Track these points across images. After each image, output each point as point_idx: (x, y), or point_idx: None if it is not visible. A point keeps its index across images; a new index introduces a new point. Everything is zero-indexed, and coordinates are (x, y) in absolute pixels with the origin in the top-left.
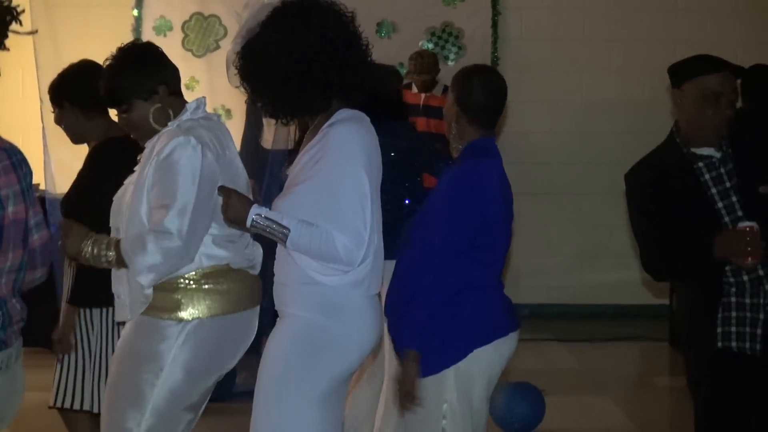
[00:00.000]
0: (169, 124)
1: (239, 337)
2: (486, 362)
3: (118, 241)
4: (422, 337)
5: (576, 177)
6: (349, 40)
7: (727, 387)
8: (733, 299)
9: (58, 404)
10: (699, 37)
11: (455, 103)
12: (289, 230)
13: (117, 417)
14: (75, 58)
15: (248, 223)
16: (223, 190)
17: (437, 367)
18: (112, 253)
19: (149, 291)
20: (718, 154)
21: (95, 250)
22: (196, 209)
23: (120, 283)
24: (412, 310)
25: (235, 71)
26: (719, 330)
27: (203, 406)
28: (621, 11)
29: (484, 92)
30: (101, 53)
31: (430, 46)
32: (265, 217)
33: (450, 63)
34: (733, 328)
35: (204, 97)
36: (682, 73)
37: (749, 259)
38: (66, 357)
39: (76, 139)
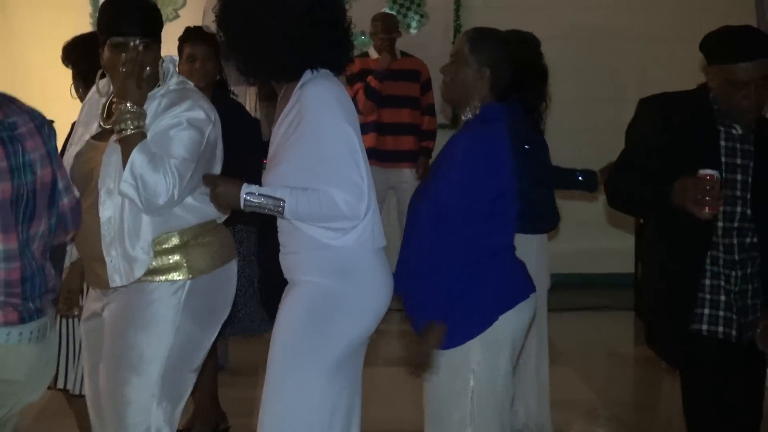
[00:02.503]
0: (160, 84)
1: (231, 289)
2: (511, 327)
3: (144, 137)
4: (447, 308)
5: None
6: (335, 13)
7: (707, 370)
8: (708, 282)
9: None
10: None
11: (485, 66)
12: (284, 201)
13: (122, 388)
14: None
15: (241, 204)
16: (208, 180)
17: (463, 337)
18: (130, 130)
19: (149, 255)
20: (740, 130)
21: (130, 115)
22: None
23: (113, 245)
24: (433, 281)
25: (214, 18)
26: (701, 311)
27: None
28: None
29: (512, 60)
30: (57, 27)
31: (392, 13)
32: (258, 194)
33: (412, 31)
34: (706, 311)
35: (173, 57)
36: (710, 55)
37: (706, 209)
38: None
39: None
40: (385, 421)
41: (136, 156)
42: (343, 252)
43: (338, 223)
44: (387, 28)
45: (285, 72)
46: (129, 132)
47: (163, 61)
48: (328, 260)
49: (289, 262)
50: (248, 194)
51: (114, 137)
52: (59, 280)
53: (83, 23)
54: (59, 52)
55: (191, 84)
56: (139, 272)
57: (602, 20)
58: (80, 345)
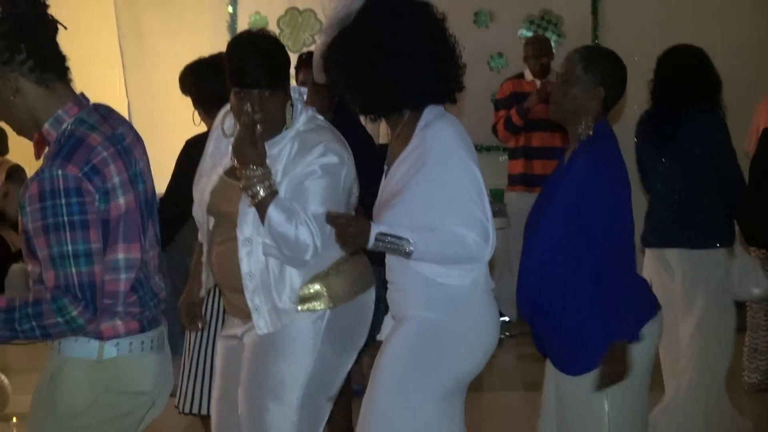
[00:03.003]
0: (288, 126)
1: (369, 316)
2: (651, 337)
3: (276, 194)
4: (623, 325)
5: None
6: (442, 38)
7: None
8: None
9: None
10: None
11: (600, 86)
12: (414, 241)
13: (263, 415)
14: (165, 57)
15: (370, 244)
16: (334, 218)
17: (595, 361)
18: (263, 193)
19: (295, 303)
20: None
21: (258, 178)
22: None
23: (257, 294)
24: (603, 302)
25: (322, 64)
26: None
27: None
28: None
29: (624, 79)
30: (194, 52)
31: (529, 34)
32: (389, 235)
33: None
34: None
35: (299, 89)
36: None
37: None
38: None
39: None
40: None
41: (273, 215)
42: (454, 289)
43: (464, 263)
44: (536, 53)
45: (403, 103)
46: (261, 196)
47: (290, 100)
48: (439, 296)
49: (398, 298)
50: (379, 234)
51: (247, 200)
52: (165, 292)
53: (220, 47)
54: (197, 49)
55: (320, 119)
56: (286, 320)
57: (748, 33)
58: (190, 362)
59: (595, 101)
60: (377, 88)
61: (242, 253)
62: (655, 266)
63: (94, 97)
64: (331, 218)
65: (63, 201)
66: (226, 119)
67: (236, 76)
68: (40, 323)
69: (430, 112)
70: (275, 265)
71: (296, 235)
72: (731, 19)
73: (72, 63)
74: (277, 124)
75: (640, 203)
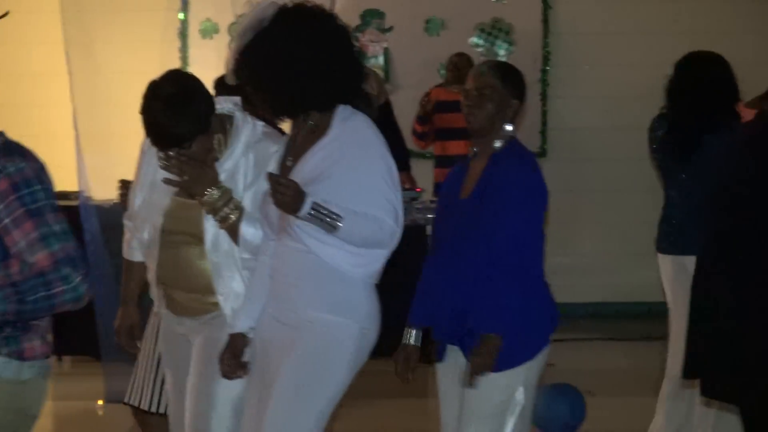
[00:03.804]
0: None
1: None
2: (546, 354)
3: (242, 211)
4: (508, 327)
5: (630, 173)
6: (347, 46)
7: None
8: None
9: (134, 402)
10: None
11: (514, 98)
12: (344, 218)
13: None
14: (114, 65)
15: (304, 210)
16: (274, 178)
17: (519, 359)
18: (233, 216)
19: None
20: None
21: (220, 200)
22: None
23: (231, 302)
24: (502, 294)
25: (234, 67)
26: None
27: None
28: (677, 2)
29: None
30: (144, 59)
31: (480, 42)
32: (320, 206)
33: (501, 59)
34: None
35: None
36: None
37: None
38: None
39: None
40: None
41: (247, 232)
42: (353, 285)
43: (379, 248)
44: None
45: (312, 105)
46: (233, 219)
47: (221, 128)
48: (339, 295)
49: (292, 293)
50: (315, 204)
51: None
52: None
53: (171, 54)
54: (148, 56)
55: (261, 125)
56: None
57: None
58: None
59: (509, 112)
60: (288, 91)
61: (214, 274)
62: (673, 272)
63: (40, 104)
64: (272, 178)
65: (38, 187)
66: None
67: (153, 139)
68: (48, 292)
69: (345, 110)
70: (247, 274)
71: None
72: (682, 31)
73: (18, 70)
74: (208, 156)
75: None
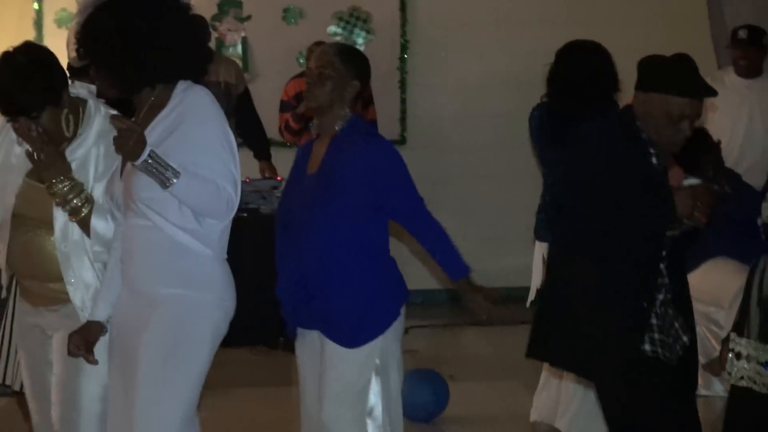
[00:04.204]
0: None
1: None
2: (402, 318)
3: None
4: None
5: (490, 160)
6: (189, 23)
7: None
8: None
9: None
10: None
11: (355, 78)
12: (180, 174)
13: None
14: None
15: (143, 157)
16: (119, 121)
17: (373, 333)
18: (85, 210)
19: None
20: (658, 160)
21: (71, 192)
22: None
23: (82, 292)
24: (346, 271)
25: (76, 45)
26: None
27: None
28: None
29: (369, 76)
30: None
31: (339, 30)
32: (159, 156)
33: (359, 48)
34: (657, 335)
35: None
36: (651, 81)
37: (702, 215)
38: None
39: None
40: None
41: (98, 225)
42: (199, 259)
43: (214, 216)
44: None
45: (153, 80)
46: (84, 213)
47: (73, 108)
48: (186, 269)
49: (138, 272)
50: (153, 153)
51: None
52: None
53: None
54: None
55: (114, 113)
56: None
57: (550, 36)
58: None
59: (350, 93)
60: (125, 65)
61: (63, 263)
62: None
63: None
64: (116, 121)
65: None
66: (9, 128)
67: (1, 108)
68: None
69: (184, 84)
70: (99, 266)
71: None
72: (540, 20)
73: None
74: (60, 135)
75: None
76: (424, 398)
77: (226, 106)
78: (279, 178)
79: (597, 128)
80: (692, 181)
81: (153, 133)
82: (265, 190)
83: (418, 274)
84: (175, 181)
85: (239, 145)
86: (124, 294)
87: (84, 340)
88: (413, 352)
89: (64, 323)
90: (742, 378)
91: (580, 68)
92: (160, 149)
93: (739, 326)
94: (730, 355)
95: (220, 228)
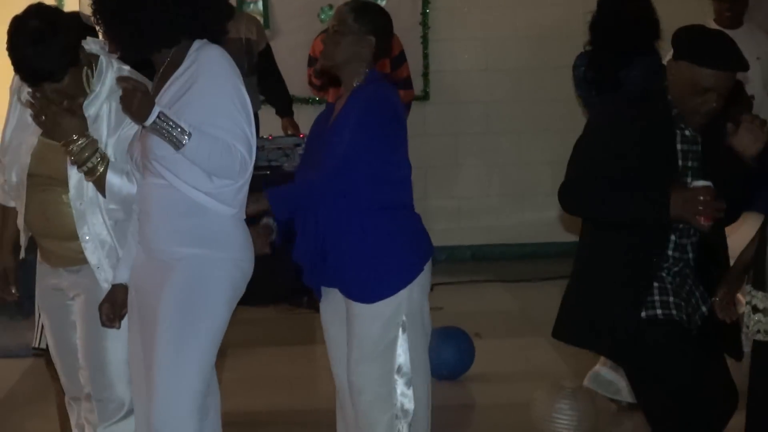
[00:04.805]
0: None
1: None
2: (427, 279)
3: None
4: (374, 260)
5: (513, 115)
6: None
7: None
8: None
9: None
10: None
11: (370, 34)
12: (191, 134)
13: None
14: None
15: (151, 118)
16: (125, 79)
17: (396, 286)
18: (100, 168)
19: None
20: (690, 132)
21: (86, 151)
22: None
23: (98, 252)
24: (355, 239)
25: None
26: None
27: None
28: None
29: (391, 30)
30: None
31: None
32: (168, 117)
33: (381, 2)
34: (671, 299)
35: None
36: (683, 50)
37: (703, 219)
38: None
39: None
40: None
41: (114, 182)
42: (215, 219)
43: (227, 176)
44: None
45: (168, 41)
46: (100, 171)
47: (89, 64)
48: (201, 229)
49: (154, 231)
50: (162, 114)
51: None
52: None
53: None
54: None
55: (127, 69)
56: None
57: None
58: None
59: (366, 49)
60: (132, 26)
61: (76, 214)
62: None
63: None
64: (121, 81)
65: None
66: (23, 88)
67: (22, 75)
68: None
69: (199, 43)
70: (113, 224)
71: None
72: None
73: None
74: (80, 92)
75: None
76: (449, 356)
77: (248, 62)
78: (302, 135)
79: (611, 111)
80: (700, 183)
81: (167, 93)
82: (288, 147)
83: (443, 229)
84: (186, 140)
85: (262, 102)
86: (142, 254)
87: (112, 306)
88: (438, 310)
89: (84, 284)
90: (758, 332)
91: (619, 16)
92: (174, 109)
93: (756, 280)
94: (748, 308)
95: (235, 187)
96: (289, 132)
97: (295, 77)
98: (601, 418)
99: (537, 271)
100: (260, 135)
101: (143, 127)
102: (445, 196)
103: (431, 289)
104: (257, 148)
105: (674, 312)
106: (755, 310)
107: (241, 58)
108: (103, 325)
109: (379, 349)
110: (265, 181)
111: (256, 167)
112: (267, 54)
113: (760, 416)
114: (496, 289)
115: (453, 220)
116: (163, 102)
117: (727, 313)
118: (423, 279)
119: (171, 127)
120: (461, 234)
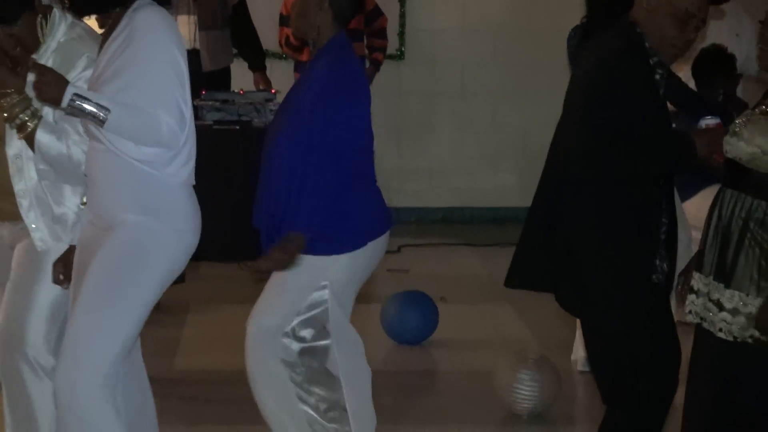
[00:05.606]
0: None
1: None
2: (372, 255)
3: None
4: (320, 221)
5: (489, 76)
6: None
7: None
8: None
9: None
10: None
11: (326, 2)
12: (110, 111)
13: None
14: None
15: (65, 101)
16: (36, 67)
17: (333, 248)
18: (31, 125)
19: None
20: (662, 72)
21: (18, 106)
22: None
23: (34, 210)
24: (307, 201)
25: None
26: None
27: None
28: None
29: None
30: None
31: None
32: (83, 96)
33: None
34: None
35: None
36: None
37: (717, 156)
38: None
39: None
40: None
41: (42, 139)
42: (163, 188)
43: (155, 147)
44: None
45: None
46: (30, 128)
47: (44, 14)
48: (147, 195)
49: (100, 196)
50: (75, 96)
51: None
52: None
53: None
54: None
55: (82, 25)
56: (66, 237)
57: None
58: None
59: (325, 15)
60: None
61: (12, 170)
62: None
63: None
64: (33, 64)
65: None
66: None
67: None
68: None
69: (139, 3)
70: (48, 183)
71: (69, 154)
72: None
73: None
74: (34, 41)
75: None
76: (412, 320)
77: (221, 15)
78: (273, 91)
79: (621, 68)
80: (709, 121)
81: (105, 56)
82: (259, 102)
83: (414, 190)
84: (105, 117)
85: (234, 56)
86: (89, 215)
87: (65, 267)
88: (404, 272)
89: (26, 233)
90: (690, 313)
91: None
92: (107, 74)
93: (699, 261)
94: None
95: (170, 155)
96: (261, 87)
97: (269, 32)
98: (563, 387)
99: (507, 236)
100: (231, 89)
101: (61, 110)
102: (418, 157)
103: (398, 251)
104: (228, 102)
105: (662, 278)
106: (691, 290)
107: (215, 11)
108: (54, 282)
109: (296, 288)
110: (235, 135)
111: (227, 122)
112: (241, 7)
113: (695, 401)
114: (465, 252)
115: (424, 181)
116: (100, 67)
117: (684, 300)
118: (360, 256)
119: (89, 105)
120: (432, 195)
